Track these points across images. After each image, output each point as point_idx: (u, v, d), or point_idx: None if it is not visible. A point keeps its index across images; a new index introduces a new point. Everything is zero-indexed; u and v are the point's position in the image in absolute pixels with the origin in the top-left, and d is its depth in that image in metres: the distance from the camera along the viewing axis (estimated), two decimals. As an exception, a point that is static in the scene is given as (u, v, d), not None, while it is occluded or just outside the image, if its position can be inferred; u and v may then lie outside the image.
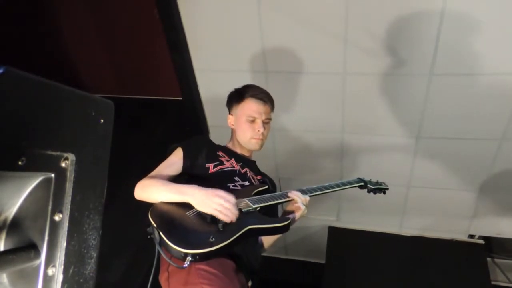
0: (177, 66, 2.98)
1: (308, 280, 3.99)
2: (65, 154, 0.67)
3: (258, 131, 1.80)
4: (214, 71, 2.97)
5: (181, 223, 1.39)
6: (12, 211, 0.67)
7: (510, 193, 3.04)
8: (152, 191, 1.53)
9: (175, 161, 1.70)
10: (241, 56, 2.83)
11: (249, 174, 1.79)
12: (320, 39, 2.60)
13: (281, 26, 2.62)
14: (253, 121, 1.81)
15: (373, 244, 3.64)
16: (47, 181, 0.66)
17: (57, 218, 0.67)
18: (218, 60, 2.91)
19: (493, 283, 3.47)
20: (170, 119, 3.53)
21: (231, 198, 1.43)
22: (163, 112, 3.69)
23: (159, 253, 1.36)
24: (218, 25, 2.74)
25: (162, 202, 1.50)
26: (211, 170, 1.69)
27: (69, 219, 0.68)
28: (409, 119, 2.83)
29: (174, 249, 1.28)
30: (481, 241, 3.51)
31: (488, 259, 3.57)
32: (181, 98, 3.28)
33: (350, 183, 1.93)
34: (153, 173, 1.65)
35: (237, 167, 1.77)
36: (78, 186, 0.69)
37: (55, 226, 0.67)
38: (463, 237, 3.52)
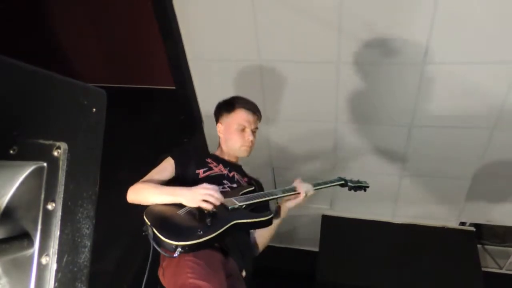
0: (170, 55, 2.96)
1: (302, 268, 4.03)
2: (57, 143, 0.67)
3: (248, 139, 1.92)
4: (208, 60, 2.95)
5: (172, 220, 1.52)
6: (4, 200, 0.67)
7: (500, 181, 3.08)
8: (145, 194, 1.65)
9: (166, 168, 1.81)
10: (235, 45, 2.81)
11: (236, 177, 1.92)
12: (314, 28, 2.59)
13: (275, 15, 2.61)
14: (243, 130, 1.93)
15: (366, 232, 3.68)
16: (39, 170, 0.66)
17: (50, 207, 0.66)
18: (211, 49, 2.89)
19: (483, 269, 3.53)
20: (163, 108, 3.51)
21: (213, 186, 1.58)
22: (157, 102, 3.67)
23: (153, 249, 1.46)
24: (211, 13, 2.71)
25: (155, 204, 1.61)
26: (201, 175, 1.82)
27: (62, 208, 0.68)
28: (403, 107, 2.85)
29: (166, 242, 1.39)
30: (472, 228, 3.56)
31: (479, 245, 3.62)
32: (174, 88, 3.26)
33: (331, 182, 2.05)
34: (145, 178, 1.76)
35: (225, 171, 1.89)
36: (70, 175, 0.69)
37: (48, 215, 0.66)
38: (454, 224, 3.56)
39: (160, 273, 1.63)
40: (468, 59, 2.51)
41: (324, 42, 2.64)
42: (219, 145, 2.03)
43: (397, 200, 3.49)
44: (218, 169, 1.88)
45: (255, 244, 1.94)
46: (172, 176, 1.80)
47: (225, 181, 1.83)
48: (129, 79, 3.79)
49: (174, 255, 1.38)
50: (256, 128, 1.99)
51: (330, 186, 2.02)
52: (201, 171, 1.83)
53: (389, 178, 3.31)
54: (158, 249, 1.42)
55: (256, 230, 1.89)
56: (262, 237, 1.92)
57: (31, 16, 3.65)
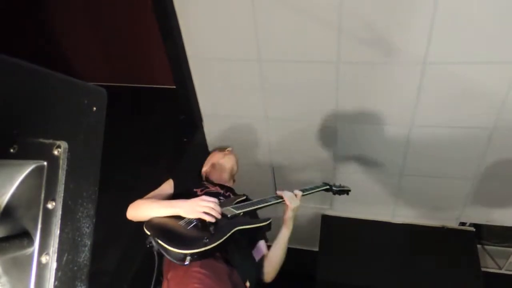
0: (170, 55, 2.95)
1: (302, 268, 4.02)
2: (58, 142, 0.67)
3: (224, 151, 2.29)
4: (208, 59, 2.95)
5: (176, 231, 1.58)
6: (4, 199, 0.67)
7: (501, 181, 3.08)
8: (144, 208, 1.72)
9: (166, 188, 1.95)
10: (235, 44, 2.81)
11: (231, 195, 2.11)
12: (314, 28, 2.59)
13: (275, 15, 2.61)
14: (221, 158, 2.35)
15: (365, 232, 3.68)
16: (39, 169, 0.66)
17: (50, 206, 0.66)
18: (211, 49, 2.89)
19: (483, 269, 3.53)
20: (163, 108, 3.51)
21: (213, 198, 1.69)
22: (156, 101, 3.67)
23: (159, 261, 1.53)
24: (211, 13, 2.71)
25: (154, 217, 1.66)
26: (199, 193, 1.95)
27: (62, 207, 0.68)
28: (403, 107, 2.84)
29: (174, 252, 1.45)
30: (472, 228, 3.56)
31: (479, 246, 3.62)
32: (174, 87, 3.26)
33: (317, 187, 2.25)
34: (146, 197, 1.85)
35: (221, 191, 2.10)
36: (71, 174, 0.69)
37: (48, 214, 0.66)
38: (454, 224, 3.56)
39: (164, 285, 1.66)
40: (468, 59, 2.51)
41: (324, 42, 2.64)
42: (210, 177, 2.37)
43: (397, 200, 3.49)
44: (215, 188, 2.08)
45: (267, 272, 1.98)
46: (171, 194, 1.92)
47: (220, 197, 2.00)
48: (129, 79, 3.80)
49: (185, 263, 1.44)
50: (231, 151, 2.41)
51: (316, 191, 2.20)
52: (198, 189, 1.99)
53: (389, 178, 3.31)
54: (168, 257, 1.47)
55: (267, 257, 1.96)
56: (273, 261, 1.98)
57: (31, 16, 3.64)
